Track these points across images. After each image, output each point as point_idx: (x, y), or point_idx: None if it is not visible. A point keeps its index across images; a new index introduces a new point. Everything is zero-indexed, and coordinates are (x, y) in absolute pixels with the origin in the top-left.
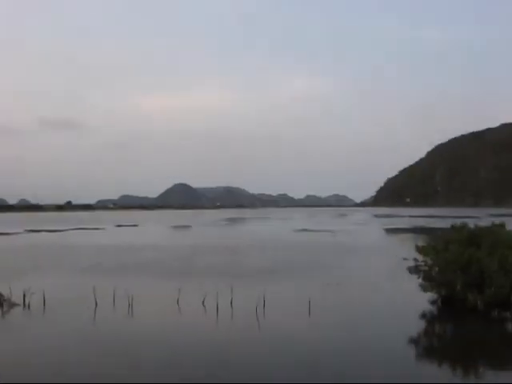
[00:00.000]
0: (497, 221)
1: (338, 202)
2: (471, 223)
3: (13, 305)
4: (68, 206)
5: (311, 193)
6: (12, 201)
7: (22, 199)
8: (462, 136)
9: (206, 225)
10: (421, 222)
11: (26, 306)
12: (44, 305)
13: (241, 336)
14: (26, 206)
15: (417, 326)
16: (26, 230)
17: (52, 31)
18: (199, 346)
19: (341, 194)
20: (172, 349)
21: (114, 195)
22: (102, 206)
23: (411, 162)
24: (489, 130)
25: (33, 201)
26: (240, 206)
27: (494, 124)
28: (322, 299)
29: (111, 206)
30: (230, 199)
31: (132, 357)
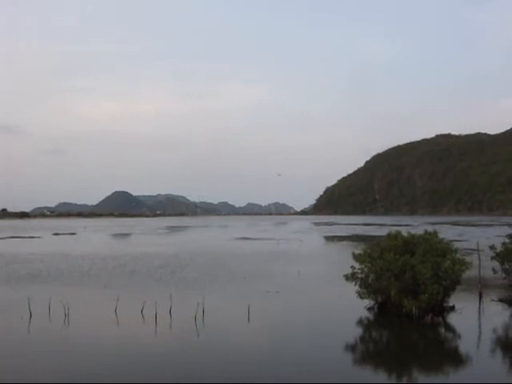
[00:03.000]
0: (430, 228)
1: (279, 210)
2: (406, 231)
3: None
4: (3, 214)
5: (252, 201)
6: None
7: None
8: (399, 146)
9: (145, 233)
10: (359, 230)
11: None
12: None
13: (180, 344)
14: None
15: (353, 332)
16: None
17: None
18: (138, 355)
19: (281, 202)
20: (110, 358)
21: (51, 202)
22: (39, 213)
23: (350, 171)
24: (424, 140)
25: None
26: (181, 214)
27: (430, 135)
28: (261, 306)
29: (48, 213)
30: (171, 207)
31: (68, 367)
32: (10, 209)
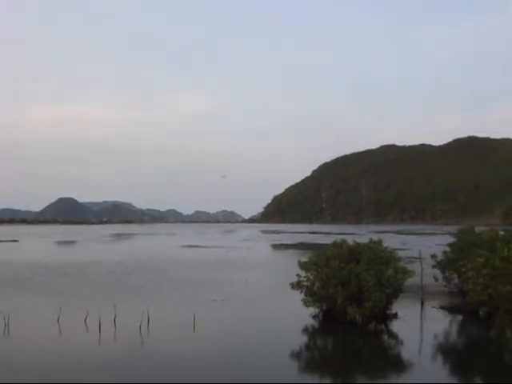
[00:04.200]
0: (375, 237)
1: (227, 218)
2: (352, 240)
3: None
4: None
5: (200, 208)
6: None
7: None
8: (345, 156)
9: (91, 240)
10: (306, 239)
11: None
12: None
13: (124, 352)
14: None
15: (299, 340)
16: None
17: None
18: (80, 364)
19: (229, 209)
20: (51, 368)
21: None
22: None
23: (297, 180)
24: (370, 150)
25: None
26: (127, 221)
27: (375, 145)
28: (207, 315)
29: None
30: (118, 214)
31: (8, 376)
32: None
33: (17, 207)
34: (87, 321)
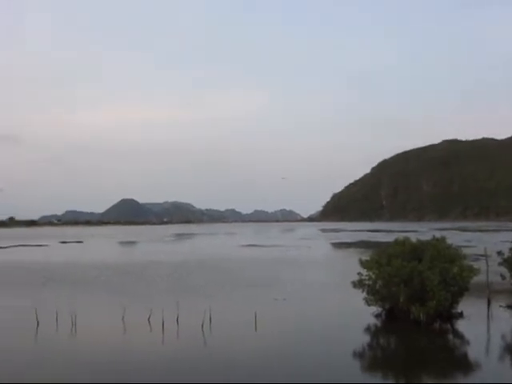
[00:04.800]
0: (438, 234)
1: (285, 217)
2: (414, 237)
3: None
4: (10, 222)
5: (259, 208)
6: None
7: None
8: (405, 152)
9: (152, 241)
10: (366, 237)
11: None
12: None
13: (187, 351)
14: None
15: (361, 339)
16: None
17: None
18: (144, 363)
19: (288, 208)
20: (116, 366)
21: (58, 210)
22: (47, 221)
23: (356, 178)
24: (430, 146)
25: None
26: (187, 221)
27: (436, 140)
28: (268, 314)
29: (56, 221)
30: (178, 214)
31: (75, 375)
32: (18, 217)
33: (81, 209)
34: (151, 320)
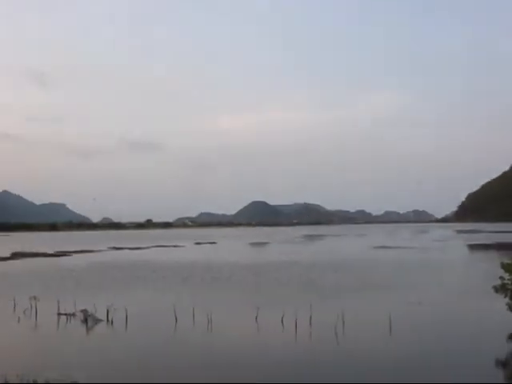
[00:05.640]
0: None
1: (418, 218)
2: None
3: (97, 320)
4: (148, 224)
5: (389, 209)
6: (95, 219)
7: (104, 218)
8: None
9: (283, 242)
10: (506, 238)
11: (109, 321)
12: (126, 320)
13: (320, 353)
14: (108, 224)
15: (504, 347)
16: (109, 248)
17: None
18: (277, 363)
19: (420, 209)
20: (249, 364)
21: (192, 213)
22: (181, 223)
23: (493, 176)
24: None
25: (115, 219)
26: (317, 222)
27: None
28: (403, 317)
29: (189, 223)
30: (307, 216)
31: (210, 371)
32: (155, 219)
33: (213, 211)
34: (284, 320)
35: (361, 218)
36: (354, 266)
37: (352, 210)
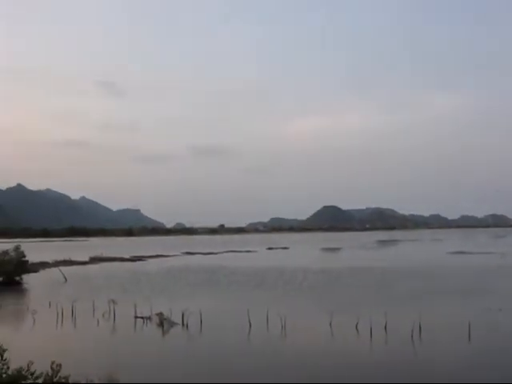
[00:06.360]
0: None
1: (496, 223)
2: None
3: (172, 324)
4: (221, 229)
5: (466, 213)
6: (169, 225)
7: (177, 223)
8: None
9: (355, 247)
10: None
11: (184, 325)
12: (201, 324)
13: (396, 360)
14: (181, 230)
15: None
16: (182, 253)
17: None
18: (353, 370)
19: (498, 213)
20: (324, 372)
21: (264, 218)
22: (253, 228)
23: None
24: None
25: (187, 224)
26: (390, 227)
27: None
28: (482, 324)
29: (261, 228)
30: (380, 221)
31: (285, 376)
32: (228, 224)
33: (285, 216)
34: (358, 326)
35: (436, 222)
36: (430, 272)
37: (426, 215)
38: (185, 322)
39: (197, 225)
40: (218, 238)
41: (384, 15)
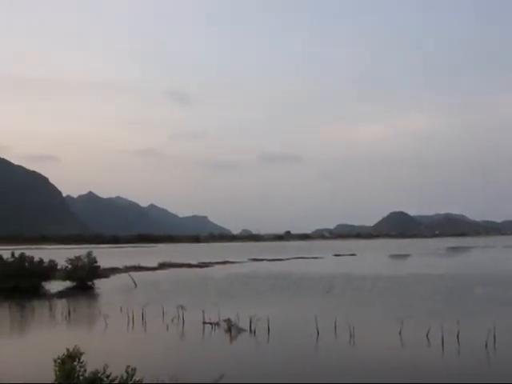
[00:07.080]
0: None
1: None
2: None
3: (240, 330)
4: (287, 236)
5: None
6: (235, 231)
7: (244, 229)
8: None
9: (425, 254)
10: None
11: (252, 331)
12: (268, 331)
13: (469, 372)
14: (247, 236)
15: None
16: (249, 259)
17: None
18: (424, 381)
19: None
20: (394, 379)
21: (330, 224)
22: (319, 235)
23: None
24: None
25: (254, 231)
26: (461, 234)
27: None
28: None
29: (327, 235)
30: (450, 227)
31: None
32: (293, 231)
33: (351, 222)
34: (429, 335)
35: (509, 228)
36: (504, 279)
37: (499, 221)
38: (252, 329)
39: (263, 231)
40: (283, 244)
41: (440, 14)
